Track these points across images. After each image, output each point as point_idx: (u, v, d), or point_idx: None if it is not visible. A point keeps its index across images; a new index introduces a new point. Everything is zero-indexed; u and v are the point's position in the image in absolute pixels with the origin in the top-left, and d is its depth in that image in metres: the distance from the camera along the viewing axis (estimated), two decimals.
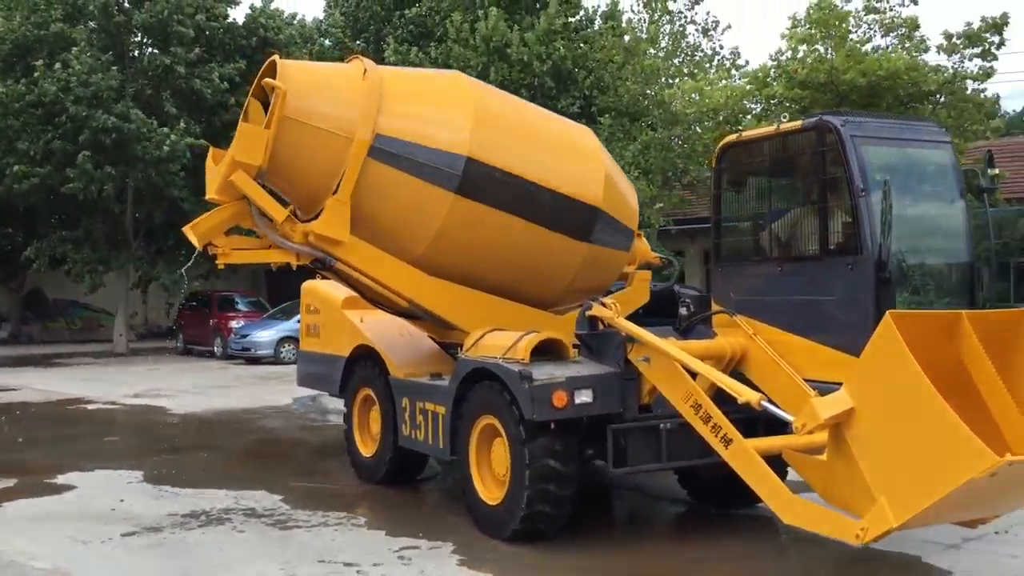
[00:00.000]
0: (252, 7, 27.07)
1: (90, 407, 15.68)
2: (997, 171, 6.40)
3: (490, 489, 7.08)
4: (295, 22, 28.72)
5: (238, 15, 26.73)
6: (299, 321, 22.45)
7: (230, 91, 24.47)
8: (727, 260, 7.11)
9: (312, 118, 7.59)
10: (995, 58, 18.69)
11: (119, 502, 8.50)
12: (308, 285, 10.19)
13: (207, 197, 8.12)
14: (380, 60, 25.87)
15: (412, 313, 8.31)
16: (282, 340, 23.15)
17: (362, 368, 8.95)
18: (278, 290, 30.35)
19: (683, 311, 7.38)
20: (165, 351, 27.02)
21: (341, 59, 29.20)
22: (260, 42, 25.98)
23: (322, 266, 8.03)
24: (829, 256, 6.33)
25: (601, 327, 7.02)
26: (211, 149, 8.28)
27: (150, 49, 24.54)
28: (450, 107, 7.79)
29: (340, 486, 9.18)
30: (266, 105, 7.71)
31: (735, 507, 7.70)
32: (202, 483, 9.25)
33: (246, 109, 8.05)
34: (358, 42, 29.07)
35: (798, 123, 6.52)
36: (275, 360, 22.82)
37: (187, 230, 7.98)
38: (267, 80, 7.62)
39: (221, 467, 10.36)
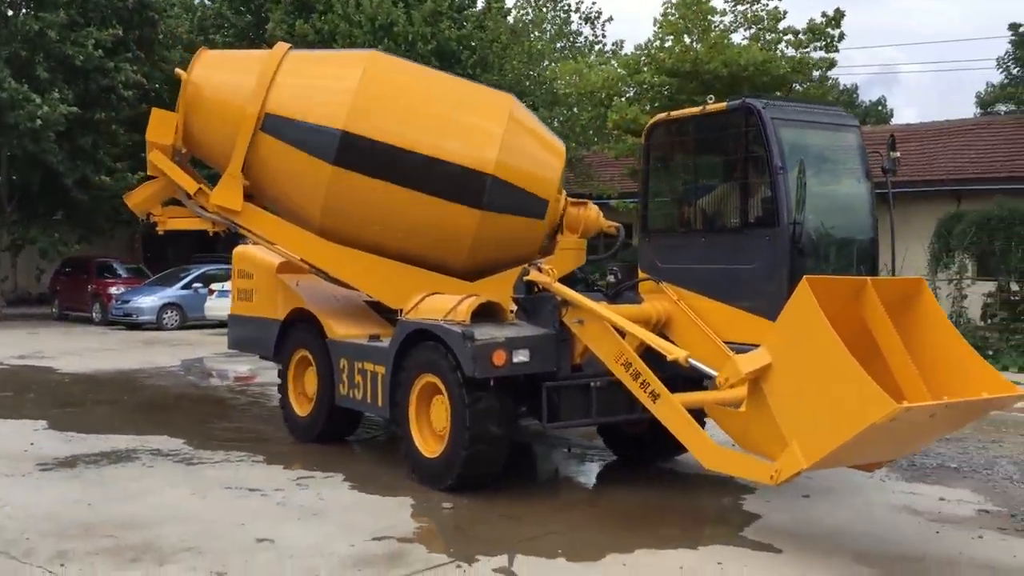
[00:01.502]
0: None
1: None
2: (898, 154, 7.07)
3: (429, 443, 7.42)
4: None
5: None
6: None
7: (107, 56, 23.77)
8: (654, 231, 7.57)
9: (210, 101, 8.62)
10: (836, 50, 20.98)
11: (30, 445, 8.97)
12: (240, 250, 10.25)
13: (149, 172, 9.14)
14: (262, 33, 25.48)
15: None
16: (165, 306, 23.34)
17: (298, 331, 9.10)
18: (156, 258, 30.04)
19: (611, 278, 7.86)
20: (40, 317, 26.25)
21: (223, 26, 28.58)
22: (137, 4, 25.31)
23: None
24: (749, 228, 6.85)
25: (536, 291, 7.46)
26: None
27: (23, 11, 23.46)
28: (338, 81, 8.33)
29: (237, 431, 9.95)
30: None
31: (654, 459, 8.29)
32: (106, 430, 9.74)
33: None
34: (240, 10, 28.50)
35: (722, 104, 7.02)
36: (157, 326, 22.91)
37: (125, 199, 9.26)
38: (177, 70, 9.02)
39: (121, 417, 10.80)
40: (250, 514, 6.71)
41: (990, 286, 17.26)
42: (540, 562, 5.79)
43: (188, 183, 8.93)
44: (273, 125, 8.33)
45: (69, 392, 12.87)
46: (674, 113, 7.56)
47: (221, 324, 21.86)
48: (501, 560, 5.77)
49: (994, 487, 7.81)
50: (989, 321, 16.75)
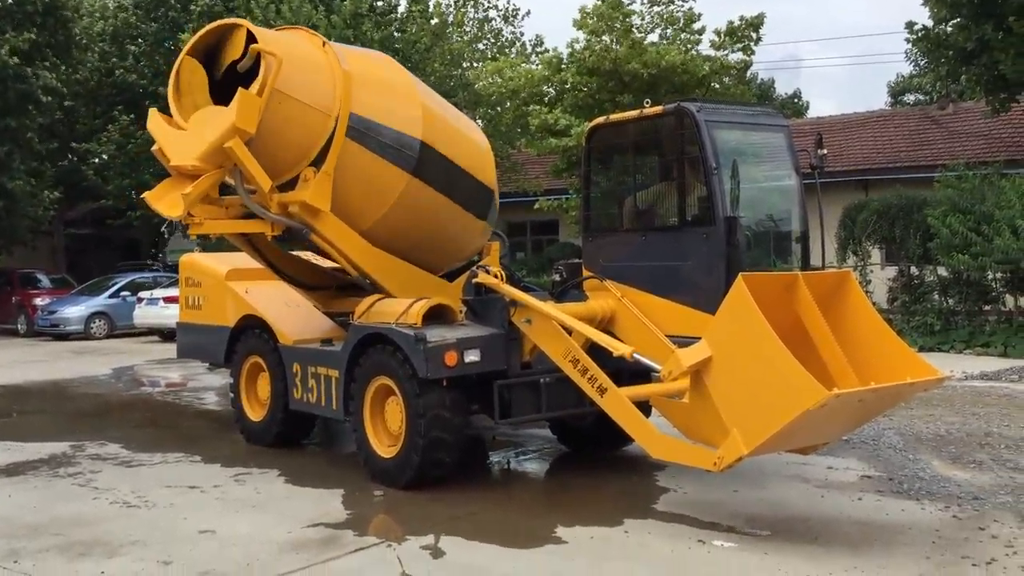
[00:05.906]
0: None
1: None
2: (825, 151, 7.47)
3: (385, 444, 7.58)
4: None
5: None
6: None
7: (24, 62, 23.18)
8: (596, 231, 7.86)
9: (296, 91, 7.54)
10: (754, 52, 21.78)
11: None
12: (187, 259, 10.22)
13: (188, 163, 7.50)
14: (178, 42, 25.02)
15: (297, 282, 8.74)
16: (92, 316, 23.13)
17: (249, 337, 9.17)
18: (79, 269, 29.57)
19: (556, 277, 8.12)
20: None
21: (136, 36, 27.93)
22: (48, 7, 24.75)
23: (290, 236, 8.22)
24: (686, 226, 7.16)
25: (484, 292, 7.67)
26: (152, 111, 7.86)
27: None
28: (397, 85, 8.31)
29: (173, 434, 10.22)
30: (206, 66, 7.70)
31: (602, 450, 8.57)
32: (43, 438, 9.93)
33: (178, 69, 7.73)
34: (152, 23, 28.09)
35: (659, 108, 7.32)
36: (85, 336, 22.70)
37: (149, 199, 7.58)
38: (262, 47, 7.36)
39: (57, 426, 10.99)
40: (191, 509, 7.06)
41: (895, 271, 18.08)
42: (464, 541, 6.18)
43: (264, 179, 7.57)
44: (357, 126, 7.72)
45: (2, 403, 12.85)
46: (613, 116, 7.83)
47: (150, 332, 21.80)
48: (428, 539, 6.18)
49: (878, 456, 8.41)
50: (893, 304, 17.56)
